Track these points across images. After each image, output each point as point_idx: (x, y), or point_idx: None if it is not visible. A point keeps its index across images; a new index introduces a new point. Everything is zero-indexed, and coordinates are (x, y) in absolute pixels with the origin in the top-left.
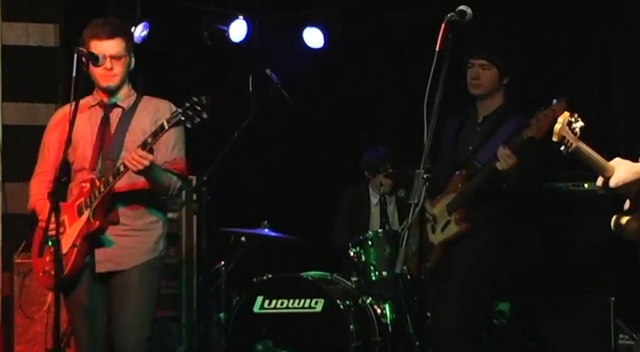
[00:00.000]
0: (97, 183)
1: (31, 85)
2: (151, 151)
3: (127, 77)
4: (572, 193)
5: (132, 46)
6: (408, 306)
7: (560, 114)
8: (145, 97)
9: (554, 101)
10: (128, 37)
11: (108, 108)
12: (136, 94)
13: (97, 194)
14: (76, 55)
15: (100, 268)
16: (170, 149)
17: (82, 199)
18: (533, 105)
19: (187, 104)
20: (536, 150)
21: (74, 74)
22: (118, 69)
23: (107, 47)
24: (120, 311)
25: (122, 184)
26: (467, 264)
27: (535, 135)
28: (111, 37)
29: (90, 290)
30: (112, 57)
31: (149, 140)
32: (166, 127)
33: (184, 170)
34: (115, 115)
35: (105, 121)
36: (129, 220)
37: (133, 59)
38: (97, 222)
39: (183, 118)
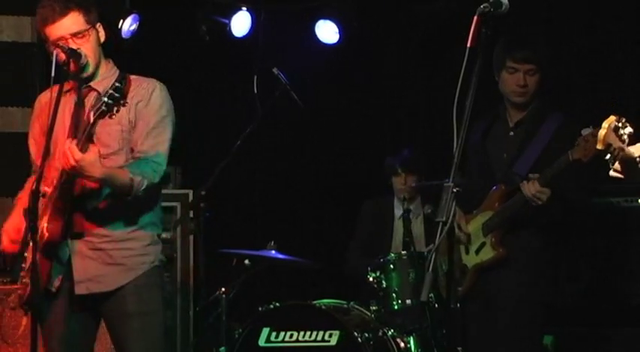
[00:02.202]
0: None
1: (4, 87)
2: (89, 142)
3: (100, 53)
4: (624, 210)
5: (95, 15)
6: (436, 339)
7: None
8: (131, 78)
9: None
10: (85, 6)
11: (83, 92)
12: (117, 74)
13: (49, 201)
14: (55, 52)
15: (80, 290)
16: (145, 135)
17: (43, 205)
18: (574, 103)
19: (110, 91)
20: (581, 175)
21: (53, 74)
22: (87, 49)
23: (64, 27)
24: (125, 345)
25: (78, 185)
26: (513, 293)
27: (583, 158)
28: (63, 13)
29: (68, 318)
30: (74, 36)
31: (78, 135)
32: (92, 121)
33: (157, 162)
34: (90, 101)
35: (78, 111)
36: (104, 229)
37: (101, 30)
38: (47, 235)
39: (105, 108)
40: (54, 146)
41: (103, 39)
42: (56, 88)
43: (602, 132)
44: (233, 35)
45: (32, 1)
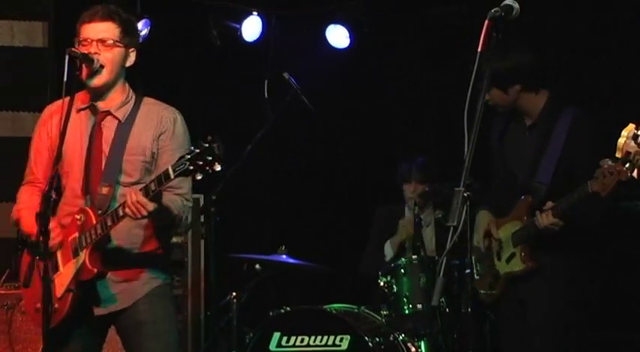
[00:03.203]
0: (93, 220)
1: (16, 91)
2: (157, 196)
3: (119, 75)
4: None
5: (132, 39)
6: (447, 344)
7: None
8: (146, 101)
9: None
10: (126, 24)
11: (99, 115)
12: (134, 99)
13: (93, 236)
14: (67, 57)
15: (99, 311)
16: None
17: (76, 235)
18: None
19: (197, 150)
20: (600, 204)
21: (65, 79)
22: (106, 58)
23: (96, 30)
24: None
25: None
26: (545, 301)
27: (601, 192)
28: (103, 19)
29: (82, 335)
30: (100, 41)
31: (152, 186)
32: (172, 177)
33: (186, 198)
34: (109, 128)
35: (96, 135)
36: (124, 251)
37: (132, 55)
38: (95, 270)
39: (191, 168)
40: (65, 157)
41: (129, 64)
42: (70, 104)
43: (621, 141)
44: (244, 40)
45: (44, 5)
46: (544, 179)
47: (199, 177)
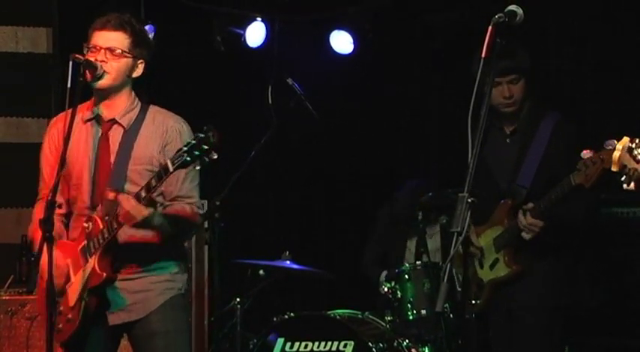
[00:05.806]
0: (100, 226)
1: (20, 97)
2: (151, 201)
3: (124, 83)
4: (634, 221)
5: (142, 51)
6: (451, 350)
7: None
8: (152, 110)
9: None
10: (138, 35)
11: (105, 125)
12: (139, 106)
13: (100, 240)
14: (71, 63)
15: (113, 320)
16: (181, 180)
17: (85, 243)
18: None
19: (193, 141)
20: (583, 198)
21: (69, 85)
22: (112, 66)
23: (106, 38)
24: None
25: (127, 228)
26: (530, 303)
27: (584, 183)
28: (115, 28)
29: (99, 345)
30: (109, 50)
31: (153, 183)
32: (171, 170)
33: (197, 205)
34: (115, 136)
35: (102, 145)
36: (137, 260)
37: (140, 67)
38: (104, 274)
39: (189, 159)
40: (72, 170)
41: (136, 75)
42: (74, 109)
43: (616, 154)
44: (248, 45)
45: (48, 11)
46: (525, 182)
47: (198, 168)
